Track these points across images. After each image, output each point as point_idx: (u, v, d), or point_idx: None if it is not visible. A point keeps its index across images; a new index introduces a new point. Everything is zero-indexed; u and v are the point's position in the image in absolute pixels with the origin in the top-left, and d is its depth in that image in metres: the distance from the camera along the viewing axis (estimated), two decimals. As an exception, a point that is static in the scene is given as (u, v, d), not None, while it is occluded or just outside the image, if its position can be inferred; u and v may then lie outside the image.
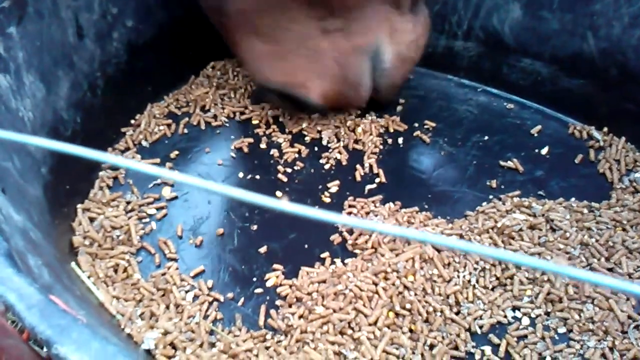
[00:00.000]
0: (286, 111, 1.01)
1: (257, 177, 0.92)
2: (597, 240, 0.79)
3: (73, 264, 0.73)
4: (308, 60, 0.88)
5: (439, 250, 0.78)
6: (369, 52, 0.89)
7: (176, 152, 0.95)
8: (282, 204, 0.28)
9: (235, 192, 0.29)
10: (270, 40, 0.87)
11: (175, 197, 0.88)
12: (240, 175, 0.92)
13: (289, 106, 0.99)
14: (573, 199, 0.87)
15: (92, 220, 0.81)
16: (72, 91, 0.84)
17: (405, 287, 0.73)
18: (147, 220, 0.84)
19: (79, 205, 0.82)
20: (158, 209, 0.85)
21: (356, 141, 0.97)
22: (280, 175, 0.92)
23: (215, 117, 1.01)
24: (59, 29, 0.81)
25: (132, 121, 0.98)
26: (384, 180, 0.91)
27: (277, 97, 0.96)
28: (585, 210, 0.84)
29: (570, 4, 0.95)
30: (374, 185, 0.91)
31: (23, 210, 0.63)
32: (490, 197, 0.89)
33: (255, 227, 0.84)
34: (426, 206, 0.87)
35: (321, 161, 0.95)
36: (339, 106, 0.96)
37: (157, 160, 0.93)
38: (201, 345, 0.67)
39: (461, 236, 0.80)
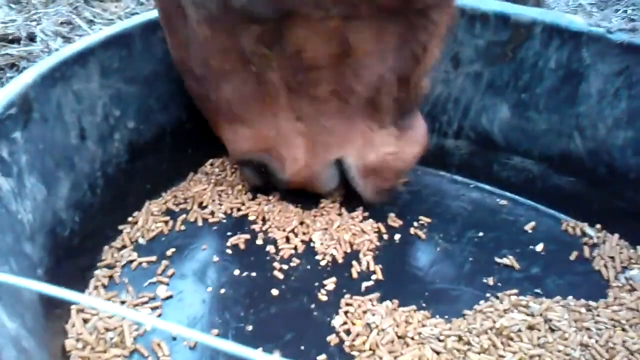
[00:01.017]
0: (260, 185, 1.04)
1: (253, 274, 0.92)
2: (597, 341, 0.78)
3: (64, 370, 0.71)
4: (282, 147, 0.94)
5: (438, 353, 0.77)
6: (330, 163, 0.95)
7: (172, 250, 0.95)
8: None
9: (226, 346, 0.29)
10: (252, 125, 0.93)
11: (170, 296, 0.87)
12: (236, 272, 0.92)
13: (263, 180, 1.02)
14: (570, 297, 0.87)
15: (85, 321, 0.80)
16: (72, 191, 0.85)
17: (405, 392, 0.71)
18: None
19: (73, 306, 0.81)
20: (153, 308, 0.84)
21: (352, 236, 0.98)
22: (276, 272, 0.92)
23: (212, 213, 1.02)
24: (62, 132, 0.84)
25: (130, 218, 0.99)
26: (380, 277, 0.91)
27: (254, 173, 1.01)
28: (583, 310, 0.84)
29: (556, 105, 1.00)
30: (371, 283, 0.90)
31: (17, 316, 0.63)
32: (488, 295, 0.88)
33: (250, 327, 0.83)
34: (424, 304, 0.87)
35: (317, 257, 0.95)
36: (306, 188, 1.01)
37: (154, 258, 0.92)
38: None
39: (460, 337, 0.79)
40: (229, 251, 0.96)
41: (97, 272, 0.89)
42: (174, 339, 0.81)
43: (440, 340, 0.79)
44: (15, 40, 1.61)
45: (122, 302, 0.84)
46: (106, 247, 0.93)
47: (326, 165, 0.95)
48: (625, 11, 2.02)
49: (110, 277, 0.89)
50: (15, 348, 0.56)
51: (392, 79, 0.84)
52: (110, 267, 0.90)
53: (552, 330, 0.80)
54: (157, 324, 0.31)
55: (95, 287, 0.86)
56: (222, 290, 0.89)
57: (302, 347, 0.80)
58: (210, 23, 0.80)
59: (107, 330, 0.79)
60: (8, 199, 0.71)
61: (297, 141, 0.93)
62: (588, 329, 0.81)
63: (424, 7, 0.77)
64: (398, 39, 0.80)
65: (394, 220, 1.02)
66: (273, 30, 0.77)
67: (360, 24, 0.76)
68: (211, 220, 1.01)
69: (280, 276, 0.91)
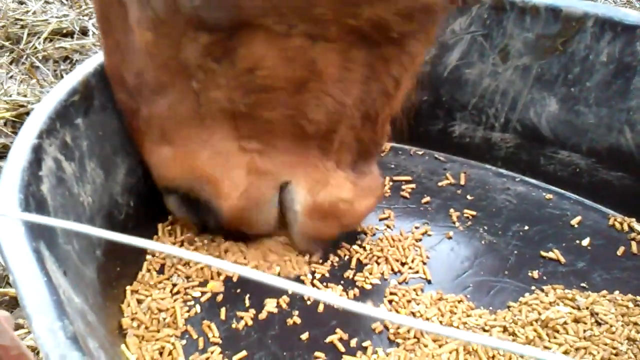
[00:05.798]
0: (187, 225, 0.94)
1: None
2: (644, 336, 0.78)
3: (123, 346, 0.74)
4: (220, 168, 0.81)
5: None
6: (277, 181, 0.83)
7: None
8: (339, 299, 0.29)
9: (287, 284, 0.30)
10: (183, 148, 0.81)
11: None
12: (283, 259, 0.94)
13: (190, 218, 0.91)
14: (617, 292, 0.86)
15: (139, 302, 0.83)
16: (127, 177, 0.89)
17: (450, 379, 0.72)
18: (192, 302, 0.85)
19: (127, 287, 0.85)
20: (203, 292, 0.87)
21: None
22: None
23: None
24: (120, 119, 0.87)
25: (180, 204, 1.02)
26: (425, 268, 0.92)
27: (179, 204, 0.89)
28: (631, 304, 0.83)
29: (606, 99, 0.99)
30: (416, 273, 0.91)
31: (81, 292, 0.66)
32: (533, 287, 0.88)
33: (296, 312, 0.85)
34: (468, 296, 0.87)
35: (364, 245, 0.96)
36: (242, 225, 0.87)
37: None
38: None
39: (505, 328, 0.80)
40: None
41: (149, 256, 0.92)
42: (224, 321, 0.83)
43: (485, 331, 0.80)
44: (69, 34, 1.66)
45: (174, 285, 0.87)
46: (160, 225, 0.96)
47: (271, 191, 0.83)
48: (677, 5, 1.97)
49: (163, 260, 0.92)
50: (82, 320, 0.59)
51: (356, 114, 0.76)
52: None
53: (599, 324, 0.80)
54: (233, 269, 0.33)
55: (148, 270, 0.89)
56: (269, 276, 0.91)
57: (347, 334, 0.81)
58: (153, 26, 0.69)
59: (160, 310, 0.82)
60: (71, 181, 0.75)
61: (239, 160, 0.80)
62: (635, 323, 0.80)
63: (400, 37, 0.69)
64: (368, 70, 0.72)
65: (438, 213, 1.03)
66: (225, 41, 0.67)
67: (328, 46, 0.68)
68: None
69: (328, 267, 0.93)
